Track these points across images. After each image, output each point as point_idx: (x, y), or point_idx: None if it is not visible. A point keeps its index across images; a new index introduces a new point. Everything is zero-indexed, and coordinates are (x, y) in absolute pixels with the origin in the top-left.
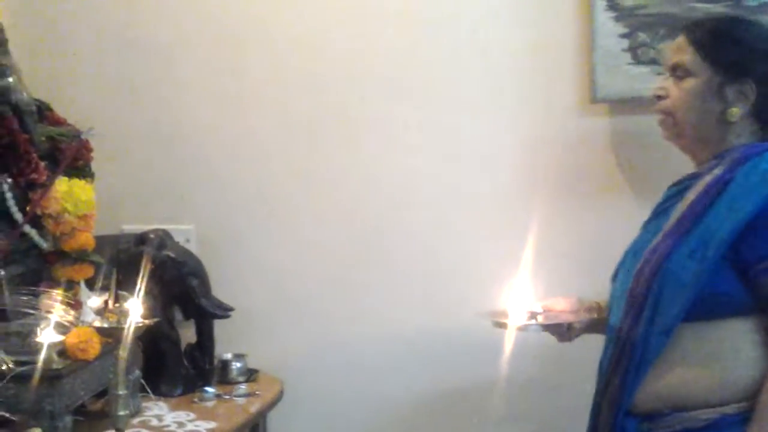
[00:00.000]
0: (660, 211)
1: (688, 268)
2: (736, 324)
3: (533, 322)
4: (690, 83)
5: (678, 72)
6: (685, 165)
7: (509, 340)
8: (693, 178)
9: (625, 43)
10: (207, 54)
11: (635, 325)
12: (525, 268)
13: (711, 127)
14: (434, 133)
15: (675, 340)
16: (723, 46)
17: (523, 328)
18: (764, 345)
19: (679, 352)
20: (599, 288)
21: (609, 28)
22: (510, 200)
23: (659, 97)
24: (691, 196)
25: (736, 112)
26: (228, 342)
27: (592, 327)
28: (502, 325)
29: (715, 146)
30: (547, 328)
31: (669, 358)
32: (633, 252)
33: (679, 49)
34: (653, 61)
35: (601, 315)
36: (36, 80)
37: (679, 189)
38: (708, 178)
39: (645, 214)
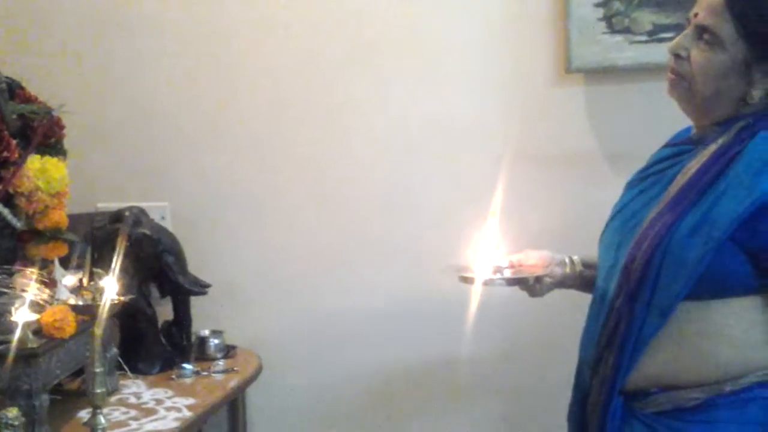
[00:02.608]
0: (651, 174)
1: (691, 246)
2: (734, 304)
3: (499, 276)
4: (717, 55)
5: (705, 36)
6: (661, 136)
7: (475, 295)
8: (693, 142)
9: (600, 12)
10: (184, 29)
11: (632, 302)
12: (492, 227)
13: (726, 102)
14: (410, 104)
15: (671, 318)
16: (766, 25)
17: (488, 283)
18: (764, 324)
19: (672, 331)
20: (571, 252)
21: None
22: (485, 170)
23: (677, 56)
24: (693, 166)
25: (757, 95)
26: (205, 319)
27: (563, 281)
28: (468, 280)
29: (722, 116)
30: (513, 282)
31: (661, 336)
32: (621, 219)
33: (713, 11)
34: (628, 30)
35: (573, 270)
36: (7, 57)
37: (674, 152)
38: (713, 148)
39: (619, 182)
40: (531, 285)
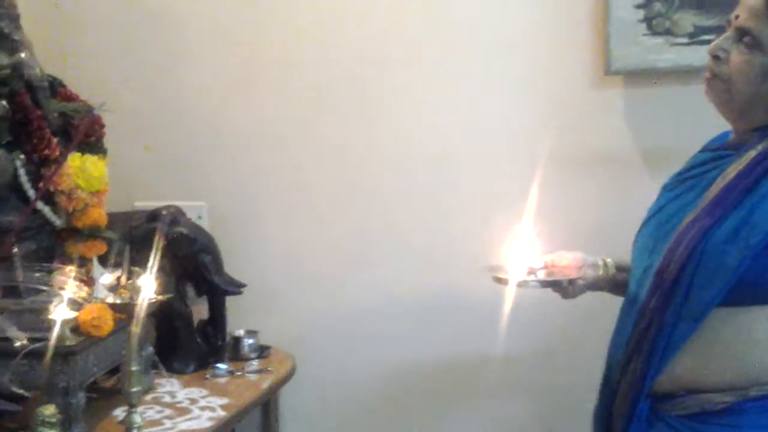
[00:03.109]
0: (687, 178)
1: (727, 252)
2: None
3: (533, 278)
4: (757, 58)
5: (745, 39)
6: (700, 140)
7: (509, 296)
8: (731, 147)
9: (641, 13)
10: (220, 28)
11: (664, 307)
12: (530, 226)
13: (764, 107)
14: (446, 102)
15: (703, 323)
16: None
17: (522, 284)
18: None
19: (703, 336)
20: (607, 254)
21: None
22: (522, 171)
23: (716, 58)
24: (732, 171)
25: None
26: (240, 318)
27: (596, 284)
28: (501, 281)
29: (759, 121)
30: (547, 284)
31: (691, 340)
32: (656, 222)
33: (754, 14)
34: (668, 32)
35: (606, 273)
36: (49, 56)
37: (712, 156)
38: (752, 154)
39: (657, 184)
40: (564, 287)
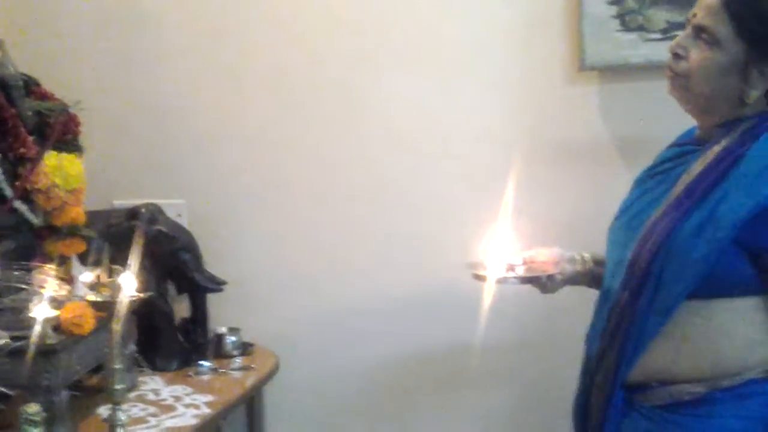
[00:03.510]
0: (656, 173)
1: (694, 246)
2: (735, 303)
3: (512, 274)
4: (715, 55)
5: (703, 35)
6: (674, 134)
7: (488, 292)
8: (697, 143)
9: (614, 9)
10: (199, 25)
11: (635, 299)
12: (508, 222)
13: (723, 102)
14: (422, 100)
15: (673, 317)
16: (763, 25)
17: (501, 281)
18: (764, 324)
19: (674, 328)
20: (584, 248)
21: None
22: (497, 166)
23: (676, 55)
24: (697, 167)
25: (755, 95)
26: (222, 316)
27: (574, 278)
28: (480, 278)
29: (722, 117)
30: (526, 280)
31: (662, 332)
32: (628, 216)
33: (711, 12)
34: (641, 28)
35: (584, 267)
36: (23, 54)
37: (679, 152)
38: (716, 149)
39: (632, 178)
40: (543, 282)
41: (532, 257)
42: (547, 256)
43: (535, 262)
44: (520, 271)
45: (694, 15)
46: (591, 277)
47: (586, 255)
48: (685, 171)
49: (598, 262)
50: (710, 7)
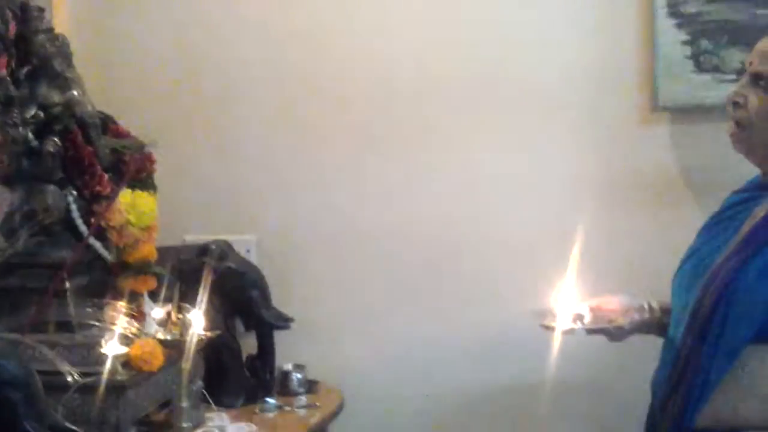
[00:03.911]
0: (721, 220)
1: (758, 289)
2: None
3: (579, 325)
4: None
5: (761, 82)
6: (748, 176)
7: (556, 342)
8: (761, 188)
9: (688, 50)
10: (271, 66)
11: (700, 344)
12: (575, 269)
13: None
14: (496, 142)
15: (738, 361)
16: None
17: (569, 332)
18: None
19: (740, 373)
20: (657, 295)
21: (671, 35)
22: (569, 206)
23: (736, 104)
24: (760, 212)
25: None
26: (288, 352)
27: (642, 328)
28: (549, 328)
29: None
30: (593, 331)
31: (729, 377)
32: (693, 262)
33: (766, 58)
34: (716, 69)
35: (652, 316)
36: (101, 93)
37: (743, 198)
38: None
39: (705, 221)
40: (611, 332)
41: (599, 305)
42: (615, 305)
43: (602, 310)
44: (588, 321)
45: (751, 63)
46: (659, 325)
47: (654, 303)
48: (749, 216)
49: (666, 311)
50: (765, 53)
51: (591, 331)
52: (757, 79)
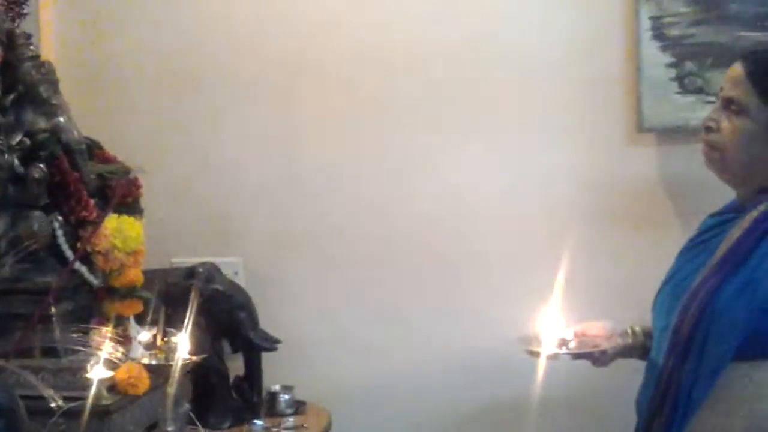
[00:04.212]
0: (699, 242)
1: (736, 307)
2: None
3: (564, 350)
4: (745, 124)
5: (732, 107)
6: (732, 196)
7: (541, 367)
8: (735, 211)
9: (672, 72)
10: (257, 89)
11: (681, 364)
12: (561, 294)
13: (758, 168)
14: (479, 160)
15: (720, 379)
16: None
17: (554, 357)
18: None
19: (723, 392)
20: (641, 318)
21: (656, 57)
22: (554, 230)
23: (708, 128)
24: (736, 232)
25: None
26: (276, 374)
27: (626, 352)
28: (534, 354)
29: (760, 183)
30: (579, 356)
31: (712, 396)
32: (672, 285)
33: (736, 84)
34: (701, 90)
35: (635, 340)
36: (86, 118)
37: (719, 220)
38: (754, 213)
39: None
40: (595, 357)
41: (583, 330)
42: (598, 330)
43: (586, 335)
44: (573, 346)
45: (722, 89)
46: (642, 350)
47: (637, 328)
48: (725, 238)
49: (648, 335)
50: (735, 78)
51: (576, 356)
52: (728, 103)
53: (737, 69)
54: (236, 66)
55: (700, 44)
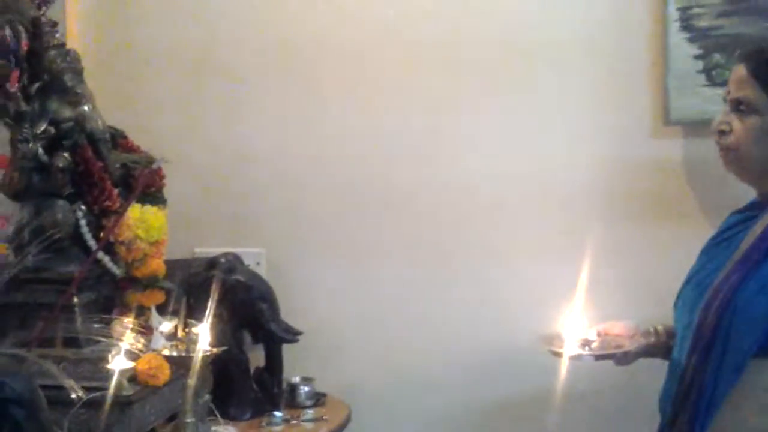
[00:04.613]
0: (721, 240)
1: (758, 303)
2: None
3: (587, 351)
4: (756, 121)
5: (741, 107)
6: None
7: (563, 367)
8: (758, 208)
9: (700, 64)
10: (279, 78)
11: (704, 360)
12: (586, 291)
13: None
14: (505, 158)
15: (743, 375)
16: None
17: (576, 358)
18: None
19: (746, 388)
20: (667, 313)
21: (683, 49)
22: (581, 223)
23: (721, 132)
24: (758, 228)
25: None
26: (296, 365)
27: (649, 351)
28: (556, 354)
29: None
30: (601, 357)
31: (735, 392)
32: (695, 282)
33: (741, 84)
34: (728, 83)
35: (658, 339)
36: (110, 108)
37: (742, 218)
38: None
39: None
40: (618, 357)
41: (606, 330)
42: (621, 329)
43: (609, 335)
44: (595, 346)
45: (728, 92)
46: (665, 349)
47: (660, 327)
48: (747, 234)
49: (670, 334)
50: (740, 79)
51: (598, 357)
52: (737, 104)
53: (740, 70)
54: (258, 56)
55: (728, 36)
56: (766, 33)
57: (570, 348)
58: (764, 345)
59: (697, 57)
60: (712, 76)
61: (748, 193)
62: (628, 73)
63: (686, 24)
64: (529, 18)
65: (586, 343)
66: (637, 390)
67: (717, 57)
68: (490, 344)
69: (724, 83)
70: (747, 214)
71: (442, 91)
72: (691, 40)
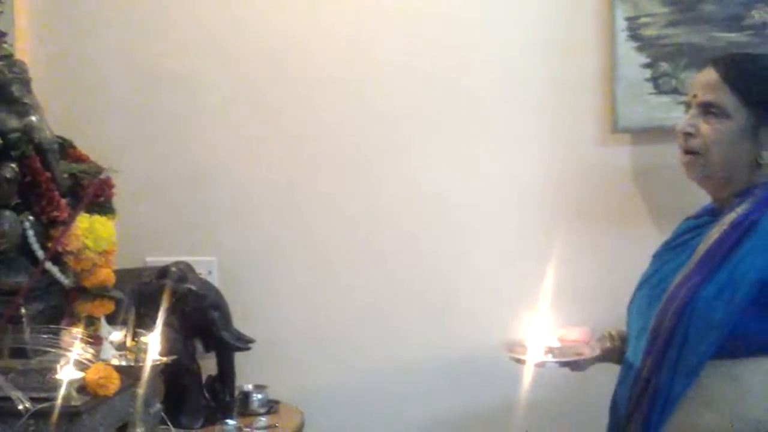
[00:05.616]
0: (676, 245)
1: (716, 308)
2: (762, 363)
3: (550, 358)
4: (725, 125)
5: (712, 110)
6: (706, 196)
7: (527, 374)
8: (712, 214)
9: (647, 72)
10: (230, 89)
11: (659, 364)
12: (543, 299)
13: (739, 169)
14: (456, 165)
15: (700, 377)
16: (763, 89)
17: (540, 365)
18: None
19: (701, 390)
20: (618, 318)
21: (631, 57)
22: (530, 231)
23: (687, 134)
24: (714, 233)
25: (767, 156)
26: (249, 373)
27: (603, 357)
28: (520, 361)
29: (739, 185)
30: (564, 364)
31: (690, 395)
32: (648, 286)
33: (711, 88)
34: (675, 91)
35: (613, 344)
36: (59, 116)
37: (696, 223)
38: (733, 216)
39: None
40: (576, 363)
41: (562, 337)
42: (578, 335)
43: (566, 341)
44: (557, 353)
45: (695, 96)
46: (620, 353)
47: (614, 332)
48: (702, 240)
49: (623, 339)
50: (709, 83)
51: (562, 364)
52: (707, 107)
53: (710, 74)
54: (212, 68)
55: (675, 45)
56: (712, 42)
57: (534, 355)
58: (723, 348)
59: (644, 66)
60: (659, 85)
61: (695, 200)
62: (577, 81)
63: (634, 33)
64: (476, 26)
65: (548, 350)
66: (592, 396)
67: (664, 66)
68: (448, 351)
69: (671, 91)
70: (702, 219)
71: (401, 109)
72: (638, 49)
